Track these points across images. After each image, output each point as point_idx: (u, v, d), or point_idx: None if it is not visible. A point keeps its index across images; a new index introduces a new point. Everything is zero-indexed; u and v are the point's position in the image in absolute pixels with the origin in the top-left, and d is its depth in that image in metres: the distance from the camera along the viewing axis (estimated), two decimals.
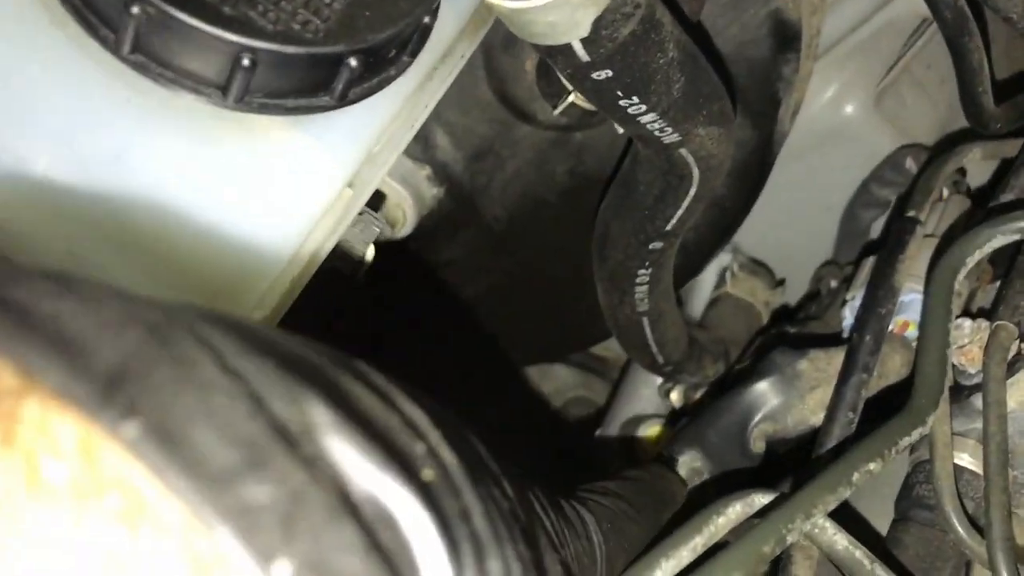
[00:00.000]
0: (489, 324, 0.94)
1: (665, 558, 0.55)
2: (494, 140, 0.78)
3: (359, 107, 0.44)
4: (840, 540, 0.59)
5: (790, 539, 0.53)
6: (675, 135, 0.56)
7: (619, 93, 0.50)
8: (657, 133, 0.55)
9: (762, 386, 0.72)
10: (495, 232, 0.84)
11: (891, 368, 0.78)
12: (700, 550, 0.55)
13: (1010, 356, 0.72)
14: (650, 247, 0.69)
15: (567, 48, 0.46)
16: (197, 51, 0.38)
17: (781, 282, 1.05)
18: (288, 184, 0.43)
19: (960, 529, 0.65)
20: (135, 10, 0.36)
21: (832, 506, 0.55)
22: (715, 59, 0.72)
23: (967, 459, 0.73)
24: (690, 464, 0.75)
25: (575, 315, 0.90)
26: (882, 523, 0.77)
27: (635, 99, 0.51)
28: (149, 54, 0.39)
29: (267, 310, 0.44)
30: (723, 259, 1.06)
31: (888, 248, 0.72)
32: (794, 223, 1.05)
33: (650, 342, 0.81)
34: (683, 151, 0.58)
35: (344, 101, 0.41)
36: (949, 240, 0.69)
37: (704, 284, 1.06)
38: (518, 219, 0.83)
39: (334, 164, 0.44)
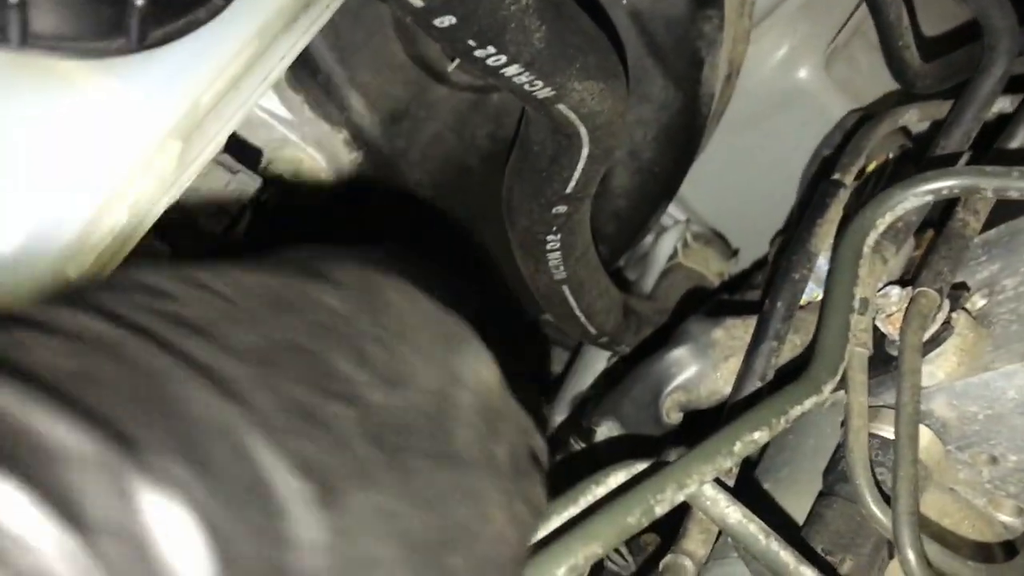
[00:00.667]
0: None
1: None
2: (410, 102, 0.76)
3: (176, 52, 0.42)
4: (733, 513, 0.56)
5: (659, 510, 0.50)
6: (548, 90, 0.54)
7: (471, 43, 0.48)
8: (528, 87, 0.53)
9: (675, 354, 0.69)
10: (419, 198, 0.82)
11: (808, 338, 0.75)
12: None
13: (937, 326, 0.69)
14: (554, 211, 0.66)
15: None
16: None
17: (736, 252, 1.03)
18: (98, 134, 0.41)
19: (870, 502, 0.62)
20: None
21: (710, 476, 0.52)
22: (629, 13, 0.69)
23: (892, 431, 0.70)
24: (608, 435, 0.73)
25: (509, 289, 0.88)
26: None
27: (491, 49, 0.49)
28: None
29: (82, 268, 0.43)
30: (677, 230, 1.03)
31: (809, 212, 0.69)
32: (751, 192, 1.02)
33: (576, 312, 0.79)
34: (562, 107, 0.56)
35: (144, 43, 0.39)
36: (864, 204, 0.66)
37: (658, 256, 1.03)
38: (442, 185, 0.81)
39: (150, 113, 0.42)
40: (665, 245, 1.03)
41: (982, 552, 0.69)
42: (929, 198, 0.62)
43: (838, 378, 0.58)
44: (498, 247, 0.85)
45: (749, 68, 0.92)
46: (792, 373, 0.64)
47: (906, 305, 0.67)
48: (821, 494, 0.75)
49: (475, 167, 0.79)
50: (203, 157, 0.48)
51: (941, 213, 0.71)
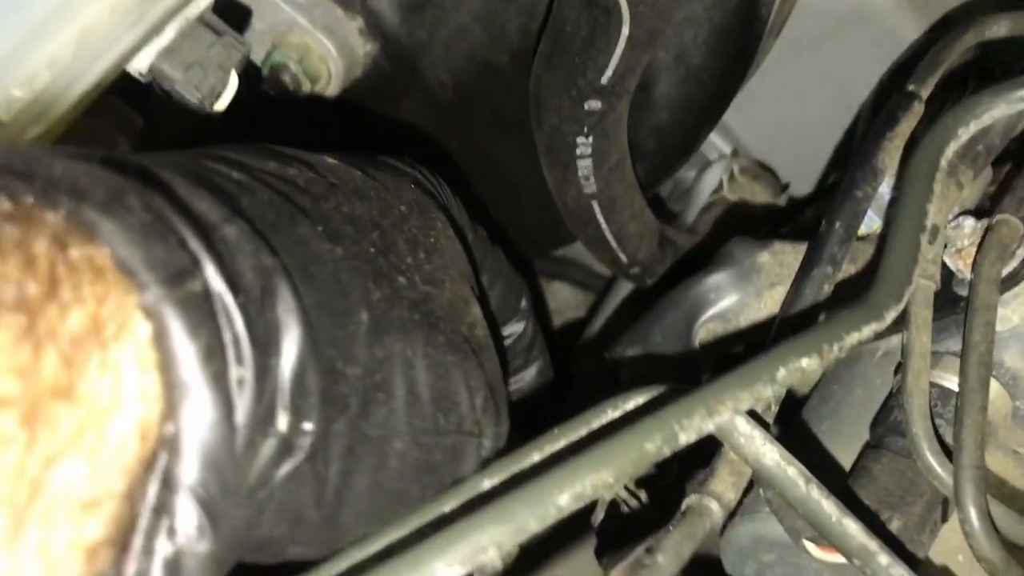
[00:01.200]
0: None
1: (539, 451, 0.46)
2: None
3: None
4: (770, 453, 0.48)
5: (684, 438, 0.43)
6: None
7: None
8: None
9: (714, 279, 0.61)
10: (441, 102, 0.75)
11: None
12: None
13: (1016, 263, 0.61)
14: (586, 107, 0.59)
15: None
16: None
17: (786, 187, 0.94)
18: None
19: (928, 453, 0.55)
20: None
21: (746, 404, 0.45)
22: None
23: (956, 381, 0.62)
24: (632, 368, 0.65)
25: (537, 209, 0.81)
26: None
27: None
28: None
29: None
30: (722, 164, 0.95)
31: (876, 125, 0.61)
32: (807, 122, 0.93)
33: (607, 235, 0.72)
34: None
35: None
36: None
37: (701, 190, 0.95)
38: (466, 86, 0.73)
39: None
40: (709, 179, 0.95)
41: None
42: (1016, 108, 0.53)
43: (902, 306, 0.50)
44: (522, 166, 0.77)
45: None
46: (848, 304, 0.56)
47: (981, 236, 0.59)
48: (868, 447, 0.67)
49: (504, 66, 0.71)
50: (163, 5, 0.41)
51: None
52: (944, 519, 0.64)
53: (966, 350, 0.54)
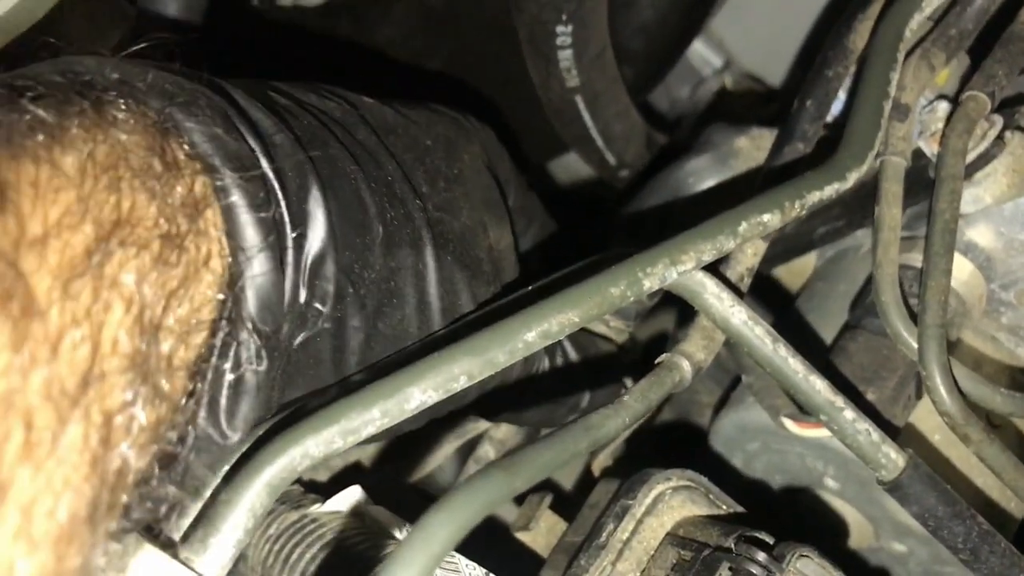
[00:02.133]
0: None
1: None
2: None
3: None
4: (738, 313, 0.50)
5: (647, 284, 0.45)
6: None
7: None
8: None
9: (693, 163, 0.63)
10: (430, 5, 0.76)
11: None
12: None
13: (987, 143, 0.62)
14: None
15: None
16: None
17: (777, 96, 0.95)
18: None
19: (896, 319, 0.56)
20: None
21: (709, 255, 0.47)
22: None
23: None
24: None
25: (526, 113, 0.82)
26: None
27: None
28: None
29: None
30: (716, 79, 0.96)
31: (850, 7, 0.62)
32: (798, 33, 0.94)
33: (592, 132, 0.73)
34: None
35: None
36: None
37: (695, 106, 0.96)
38: None
39: None
40: (703, 95, 0.96)
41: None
42: None
43: (865, 167, 0.52)
44: (511, 68, 0.79)
45: None
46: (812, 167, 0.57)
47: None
48: (847, 328, 0.69)
49: None
50: None
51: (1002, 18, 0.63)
52: (918, 396, 0.66)
53: (932, 217, 0.56)
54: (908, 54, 0.63)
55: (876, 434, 0.52)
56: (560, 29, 0.63)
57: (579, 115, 0.71)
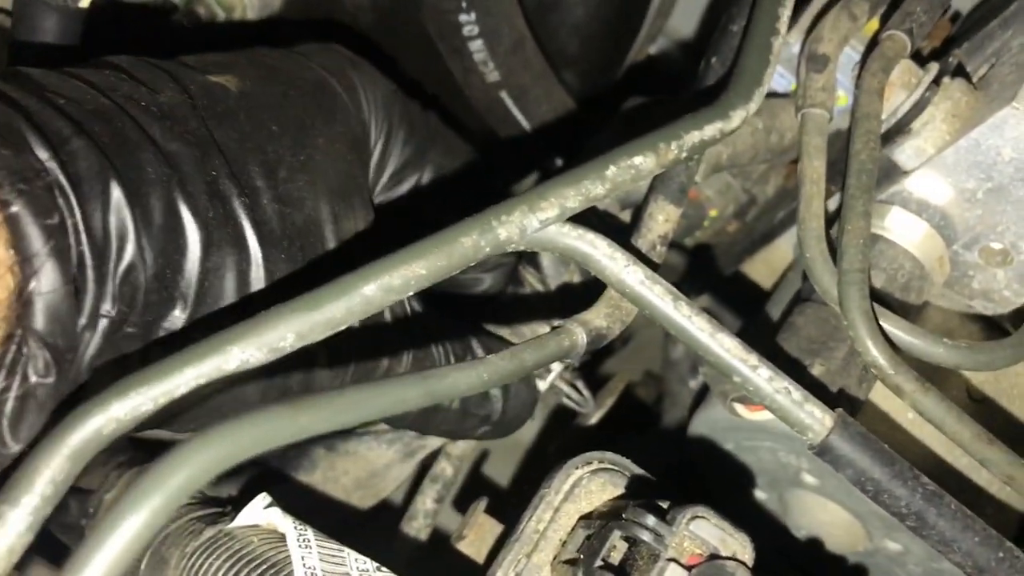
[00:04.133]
0: None
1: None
2: None
3: None
4: (634, 274, 0.47)
5: (504, 233, 0.42)
6: None
7: None
8: None
9: (602, 137, 0.61)
10: (362, 26, 0.76)
11: (784, 123, 0.65)
12: None
13: (922, 89, 0.58)
14: None
15: None
16: None
17: None
18: None
19: (821, 272, 0.52)
20: None
21: (574, 201, 0.44)
22: None
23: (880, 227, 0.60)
24: None
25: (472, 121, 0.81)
26: None
27: None
28: None
29: None
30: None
31: None
32: None
33: (523, 125, 0.71)
34: None
35: None
36: None
37: None
38: (382, 5, 0.74)
39: None
40: None
41: None
42: None
43: (753, 106, 0.49)
44: (447, 78, 0.78)
45: None
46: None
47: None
48: (795, 301, 0.64)
49: None
50: None
51: None
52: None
53: (848, 159, 0.52)
54: (830, 5, 0.60)
55: (797, 393, 0.47)
56: (464, 18, 0.62)
57: (508, 112, 0.69)
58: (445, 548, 0.62)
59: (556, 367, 0.67)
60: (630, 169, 0.45)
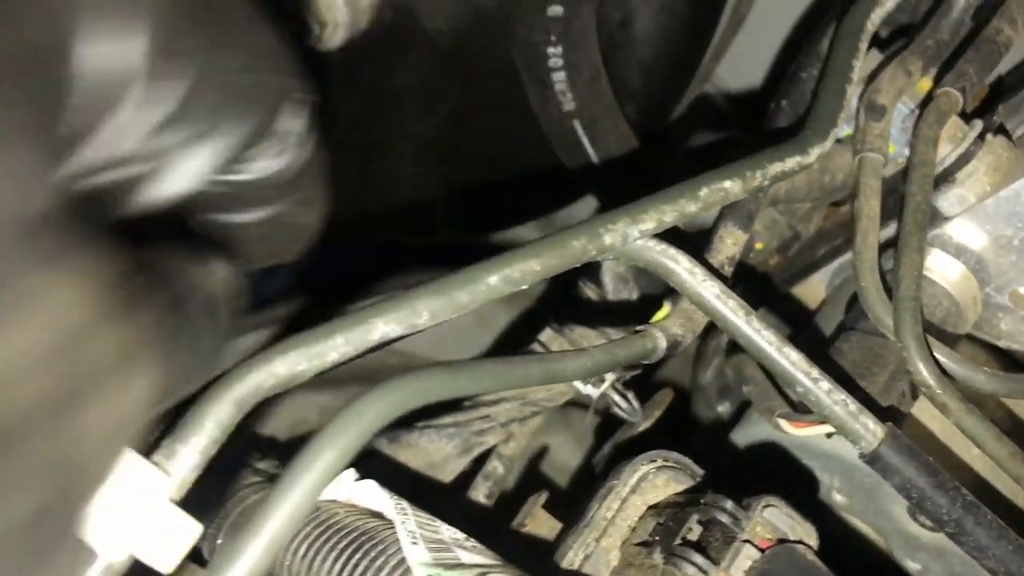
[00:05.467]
0: (450, 161, 0.91)
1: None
2: None
3: None
4: (710, 288, 0.52)
5: (608, 239, 0.47)
6: None
7: None
8: None
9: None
10: (441, 50, 0.82)
11: (837, 165, 0.71)
12: None
13: (967, 142, 0.64)
14: (549, 12, 0.65)
15: None
16: None
17: None
18: None
19: (875, 302, 0.58)
20: None
21: (670, 216, 0.49)
22: None
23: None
24: None
25: (531, 145, 0.86)
26: None
27: None
28: None
29: None
30: None
31: (827, 16, 0.65)
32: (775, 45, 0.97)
33: (591, 156, 0.77)
34: None
35: None
36: None
37: None
38: (461, 32, 0.80)
39: None
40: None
41: None
42: None
43: (828, 144, 0.54)
44: (515, 103, 0.83)
45: None
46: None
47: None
48: (840, 329, 0.70)
49: (493, 9, 0.78)
50: None
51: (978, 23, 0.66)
52: (914, 395, 0.66)
53: (905, 199, 0.57)
54: (888, 61, 0.66)
55: (854, 405, 0.52)
56: (551, 51, 0.67)
57: (578, 140, 0.74)
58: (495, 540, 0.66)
59: (610, 377, 0.72)
60: (720, 191, 0.50)
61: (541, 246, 0.46)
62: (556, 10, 0.64)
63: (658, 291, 0.73)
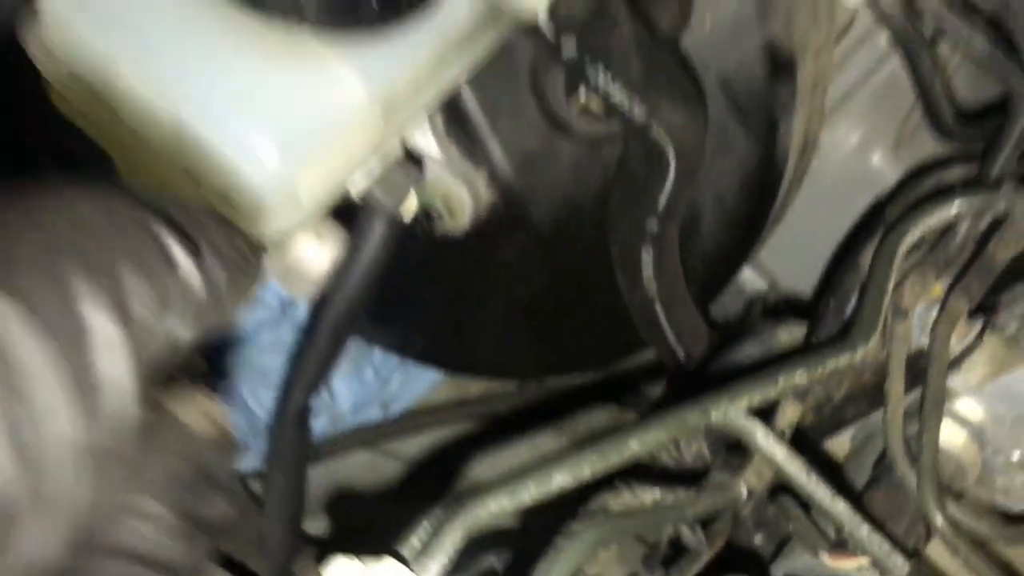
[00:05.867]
0: (543, 326, 1.10)
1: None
2: (538, 150, 0.95)
3: (388, 48, 0.62)
4: (780, 451, 0.70)
5: (715, 416, 0.65)
6: (642, 112, 0.72)
7: (586, 66, 0.67)
8: (627, 109, 0.71)
9: (747, 347, 0.84)
10: (543, 234, 1.01)
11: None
12: None
13: (972, 336, 0.82)
14: (647, 226, 0.84)
15: (538, 32, 0.64)
16: None
17: None
18: (331, 94, 0.61)
19: (902, 463, 0.75)
20: None
21: (755, 399, 0.67)
22: (719, 79, 0.87)
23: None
24: None
25: (614, 317, 1.04)
26: None
27: (602, 69, 0.68)
28: None
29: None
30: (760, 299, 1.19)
31: (864, 234, 0.85)
32: (824, 256, 1.17)
33: (667, 331, 0.95)
34: (655, 129, 0.74)
35: (372, 22, 0.58)
36: None
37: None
38: (561, 222, 0.99)
39: (367, 84, 0.62)
40: (750, 307, 1.18)
41: None
42: (948, 215, 0.77)
43: (870, 346, 0.72)
44: (603, 282, 1.02)
45: (826, 152, 1.08)
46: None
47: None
48: (870, 483, 0.87)
49: (587, 207, 0.97)
50: (392, 133, 0.68)
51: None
52: (928, 536, 0.83)
53: (925, 387, 0.75)
54: (910, 272, 0.85)
55: (886, 545, 0.69)
56: (645, 253, 0.86)
57: (656, 317, 0.92)
58: None
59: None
60: (791, 379, 0.68)
61: (667, 418, 0.64)
62: (652, 225, 0.83)
63: None
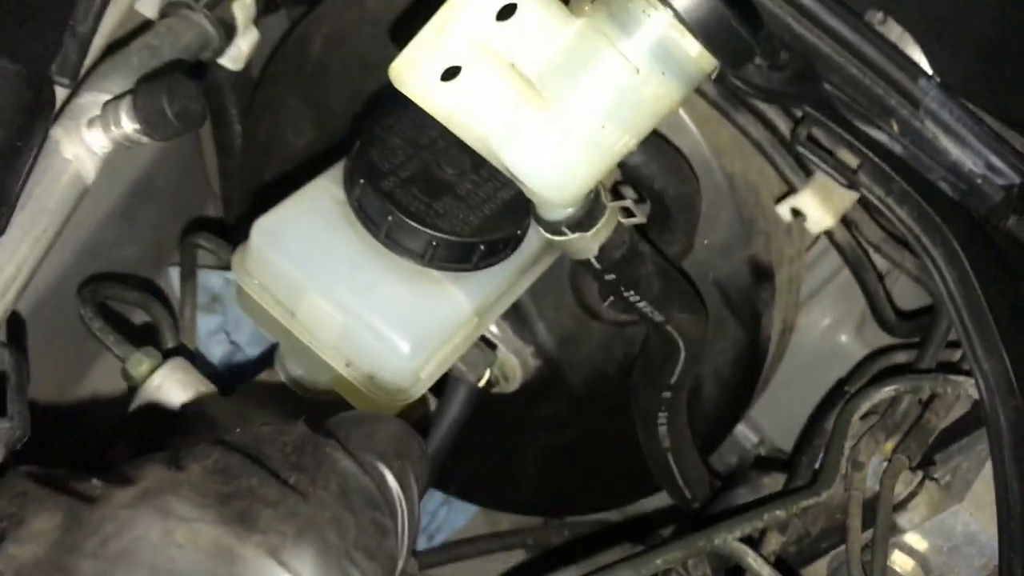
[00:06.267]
0: (572, 471, 1.34)
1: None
2: (575, 331, 1.21)
3: (482, 275, 0.89)
4: (765, 570, 0.93)
5: (717, 541, 0.88)
6: (661, 316, 0.98)
7: (621, 288, 0.94)
8: (650, 314, 0.98)
9: (739, 492, 1.08)
10: (576, 395, 1.26)
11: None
12: None
13: (912, 486, 1.06)
14: (663, 395, 1.09)
15: (588, 262, 0.90)
16: (411, 236, 0.85)
17: None
18: (446, 308, 0.88)
19: None
20: (390, 218, 0.84)
21: (746, 530, 0.90)
22: (715, 283, 1.14)
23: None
24: None
25: (632, 463, 1.29)
26: None
27: (632, 292, 0.94)
28: (391, 237, 0.87)
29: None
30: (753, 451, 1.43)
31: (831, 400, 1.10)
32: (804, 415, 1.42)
33: (677, 477, 1.19)
34: (669, 328, 1.00)
35: (477, 266, 0.85)
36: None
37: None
38: (591, 386, 1.25)
39: (470, 301, 0.89)
40: (744, 458, 1.43)
41: None
42: (892, 393, 1.02)
43: (832, 490, 0.96)
44: (623, 434, 1.27)
45: (802, 332, 1.35)
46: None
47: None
48: None
49: (613, 374, 1.23)
50: (481, 330, 0.94)
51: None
52: None
53: (876, 525, 0.99)
54: (865, 433, 1.09)
55: None
56: (660, 415, 1.11)
57: (669, 466, 1.17)
58: None
59: None
60: (772, 516, 0.92)
61: (683, 542, 0.87)
62: (667, 395, 1.08)
63: None
